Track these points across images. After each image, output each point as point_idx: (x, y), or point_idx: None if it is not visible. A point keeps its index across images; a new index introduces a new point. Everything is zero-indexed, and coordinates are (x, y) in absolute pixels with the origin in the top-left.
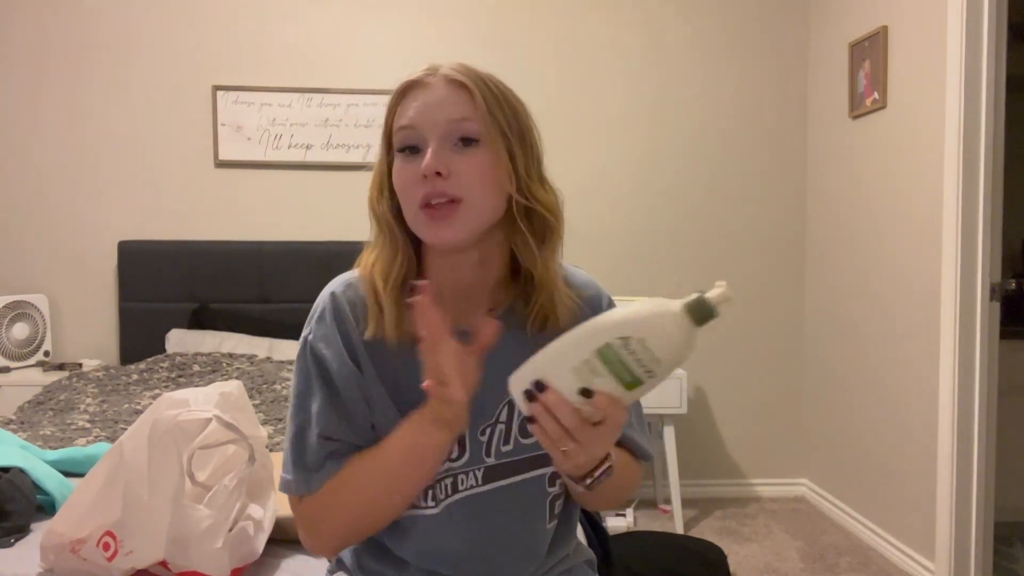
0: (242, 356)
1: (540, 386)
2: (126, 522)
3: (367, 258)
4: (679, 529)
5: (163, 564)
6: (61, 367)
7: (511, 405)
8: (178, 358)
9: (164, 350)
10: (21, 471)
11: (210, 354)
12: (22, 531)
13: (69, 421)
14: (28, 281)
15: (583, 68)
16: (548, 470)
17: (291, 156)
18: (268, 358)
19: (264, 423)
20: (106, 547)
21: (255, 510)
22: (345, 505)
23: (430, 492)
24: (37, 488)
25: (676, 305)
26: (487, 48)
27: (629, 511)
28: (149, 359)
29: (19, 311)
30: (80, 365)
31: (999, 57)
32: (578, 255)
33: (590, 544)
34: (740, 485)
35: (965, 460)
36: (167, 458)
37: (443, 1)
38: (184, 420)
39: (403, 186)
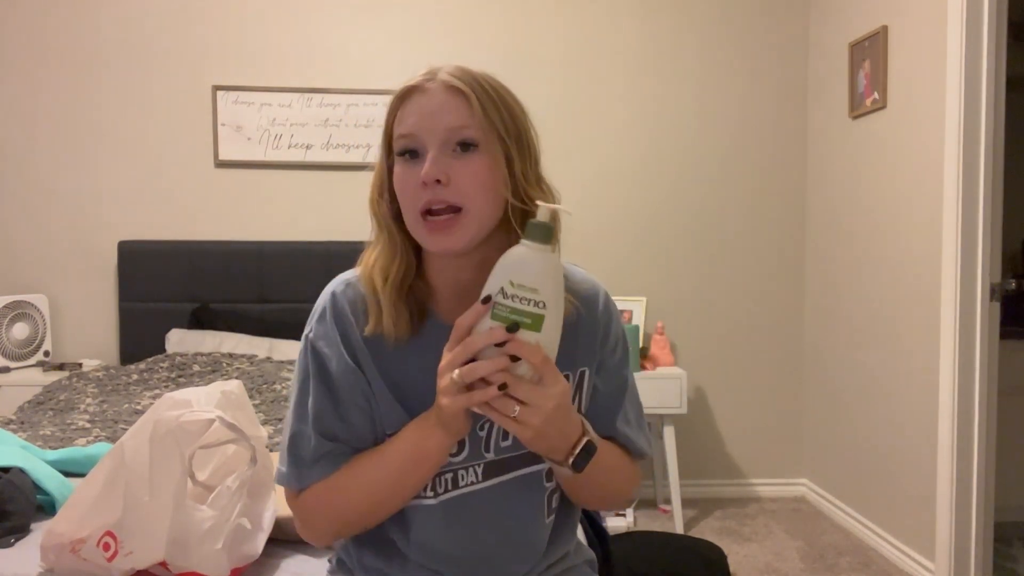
0: (242, 356)
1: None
2: (126, 522)
3: (368, 257)
4: (679, 529)
5: (163, 565)
6: (61, 367)
7: None
8: (178, 358)
9: (164, 350)
10: (21, 471)
11: (210, 354)
12: (22, 531)
13: (69, 421)
14: (28, 281)
15: (583, 69)
16: (546, 465)
17: (291, 156)
18: (268, 358)
19: (264, 423)
20: (106, 547)
21: (255, 510)
22: (340, 502)
23: (430, 485)
24: (37, 488)
25: (522, 243)
26: (487, 48)
27: (629, 511)
28: (149, 359)
29: (19, 311)
30: (80, 365)
31: (999, 57)
32: (579, 255)
33: (590, 544)
34: (740, 485)
35: (965, 460)
36: (168, 459)
37: (443, 2)
38: (186, 421)
39: (403, 191)
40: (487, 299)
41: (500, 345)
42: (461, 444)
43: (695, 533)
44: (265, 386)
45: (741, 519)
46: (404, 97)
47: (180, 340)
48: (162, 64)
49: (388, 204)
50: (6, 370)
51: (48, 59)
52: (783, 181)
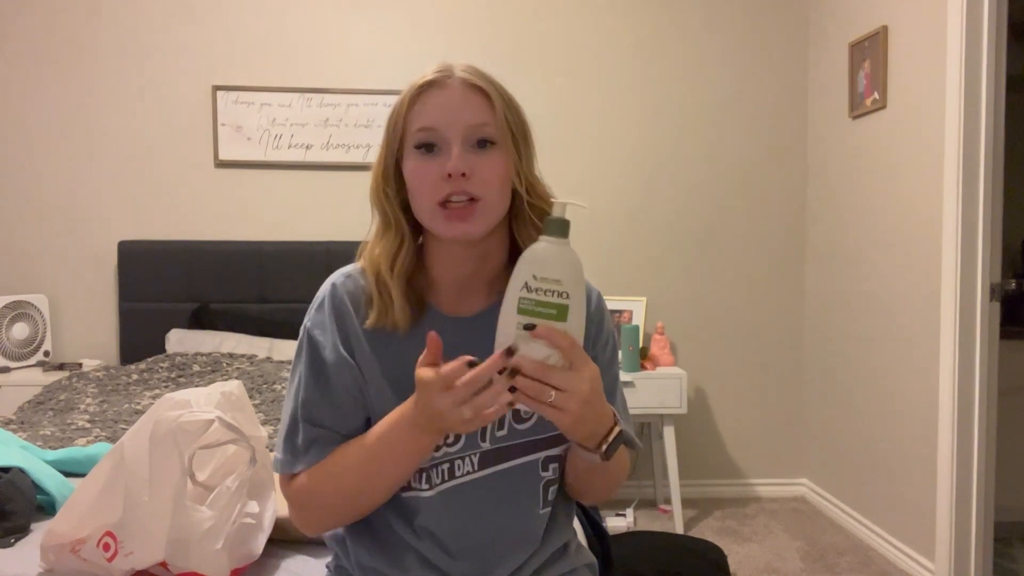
0: (242, 356)
1: (510, 352)
2: (126, 523)
3: (370, 249)
4: (679, 529)
5: (163, 565)
6: (61, 367)
7: None
8: (178, 358)
9: (164, 350)
10: (21, 471)
11: (210, 354)
12: (22, 531)
13: (69, 421)
14: (28, 281)
15: (582, 69)
16: (541, 455)
17: (291, 156)
18: (268, 358)
19: (264, 423)
20: (106, 548)
21: (254, 510)
22: (328, 490)
23: (425, 475)
24: (37, 488)
25: (541, 240)
26: (487, 48)
27: (629, 511)
28: (149, 359)
29: (19, 311)
30: (80, 365)
31: (999, 57)
32: (579, 255)
33: (590, 544)
34: (740, 485)
35: (965, 460)
36: (168, 459)
37: (442, 2)
38: (186, 421)
39: (421, 182)
40: (509, 351)
41: (510, 353)
42: (457, 435)
43: (695, 533)
44: (265, 386)
45: (741, 519)
46: (422, 91)
47: (180, 340)
48: (162, 64)
49: (395, 195)
50: (6, 370)
51: (48, 59)
52: (783, 181)
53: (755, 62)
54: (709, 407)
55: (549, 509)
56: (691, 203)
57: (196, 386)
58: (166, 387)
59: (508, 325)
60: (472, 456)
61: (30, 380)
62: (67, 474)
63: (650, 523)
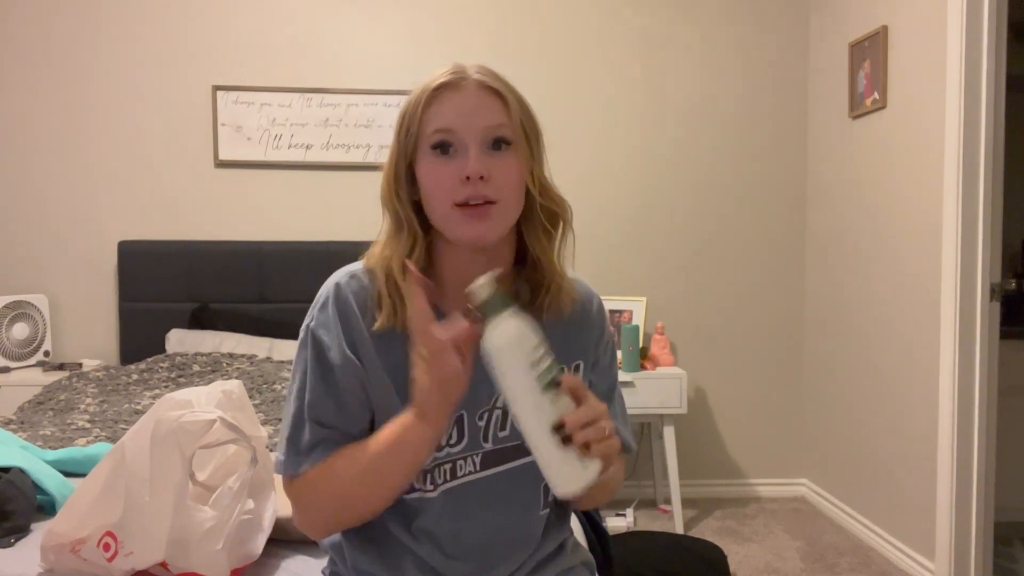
0: (242, 356)
1: (560, 426)
2: (127, 523)
3: (380, 251)
4: (679, 529)
5: (163, 565)
6: (61, 367)
7: None
8: (178, 358)
9: (164, 350)
10: (21, 471)
11: (210, 354)
12: (22, 531)
13: (69, 421)
14: (28, 281)
15: (582, 68)
16: None
17: (291, 156)
18: (268, 358)
19: (264, 423)
20: (106, 548)
21: (254, 510)
22: (333, 493)
23: (428, 476)
24: (37, 488)
25: (497, 323)
26: (487, 48)
27: (629, 511)
28: (149, 359)
29: (19, 311)
30: (80, 365)
31: (999, 57)
32: (579, 255)
33: (590, 545)
34: (740, 485)
35: (965, 460)
36: (169, 459)
37: (442, 1)
38: (187, 421)
39: (437, 184)
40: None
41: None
42: (460, 433)
43: (695, 533)
44: (265, 386)
45: (741, 519)
46: (437, 92)
47: (180, 340)
48: (162, 64)
49: (408, 196)
50: (6, 370)
51: (48, 59)
52: (783, 181)
53: (755, 62)
54: (709, 407)
55: (548, 509)
56: (691, 203)
57: (196, 386)
58: (166, 387)
59: (539, 408)
60: (474, 456)
61: (30, 380)
62: (67, 474)
63: (650, 523)
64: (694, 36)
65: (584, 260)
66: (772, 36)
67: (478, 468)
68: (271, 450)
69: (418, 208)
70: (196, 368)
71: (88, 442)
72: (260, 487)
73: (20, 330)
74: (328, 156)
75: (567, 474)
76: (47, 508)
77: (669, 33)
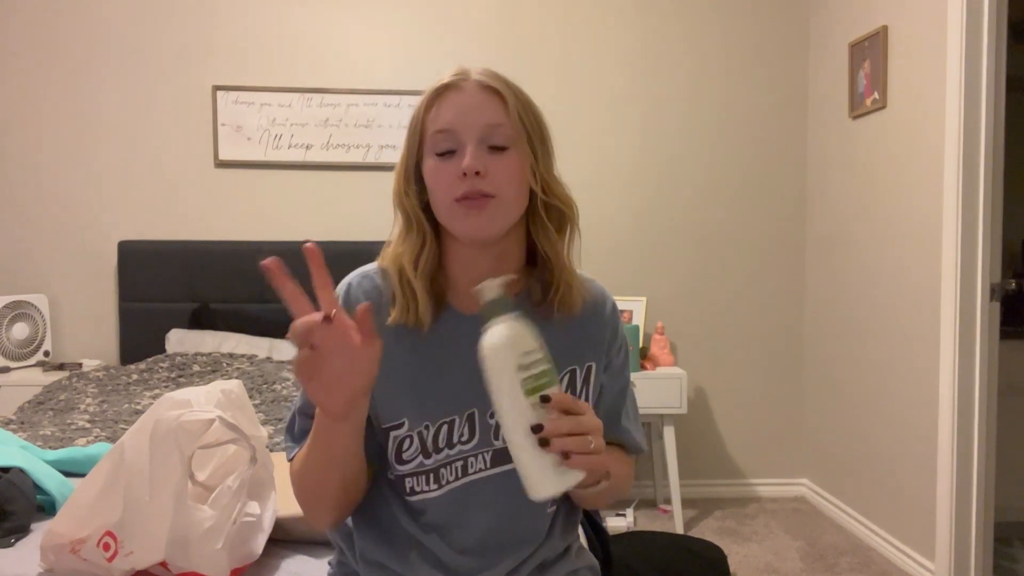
0: (242, 356)
1: (538, 428)
2: (126, 523)
3: (393, 250)
4: (679, 529)
5: (163, 565)
6: (61, 367)
7: None
8: (178, 358)
9: (164, 350)
10: (21, 471)
11: (210, 354)
12: (22, 531)
13: (69, 421)
14: (28, 281)
15: (581, 68)
16: None
17: (291, 156)
18: (268, 358)
19: (264, 423)
20: (106, 547)
21: (254, 510)
22: (307, 482)
23: (432, 475)
24: (37, 488)
25: (496, 324)
26: (486, 48)
27: (629, 511)
28: (149, 359)
29: (19, 311)
30: (80, 365)
31: (999, 57)
32: (579, 254)
33: (590, 544)
34: (740, 485)
35: (965, 460)
36: (169, 459)
37: (442, 1)
38: (186, 421)
39: (438, 182)
40: (538, 428)
41: (538, 430)
42: (472, 431)
43: (695, 533)
44: (265, 386)
45: (741, 519)
46: (439, 94)
47: (180, 340)
48: (162, 64)
49: (417, 196)
50: (6, 370)
51: (48, 59)
52: (783, 181)
53: (755, 63)
54: (709, 407)
55: (555, 507)
56: (691, 203)
57: (196, 386)
58: (166, 387)
59: (519, 410)
60: (485, 454)
61: (30, 380)
62: (67, 474)
63: (650, 523)
64: (693, 37)
65: (584, 260)
66: (772, 36)
67: (488, 465)
68: (271, 450)
69: (428, 208)
70: (196, 368)
71: (88, 442)
72: (260, 487)
73: (20, 330)
74: (328, 156)
75: (538, 478)
76: (47, 508)
77: (669, 33)
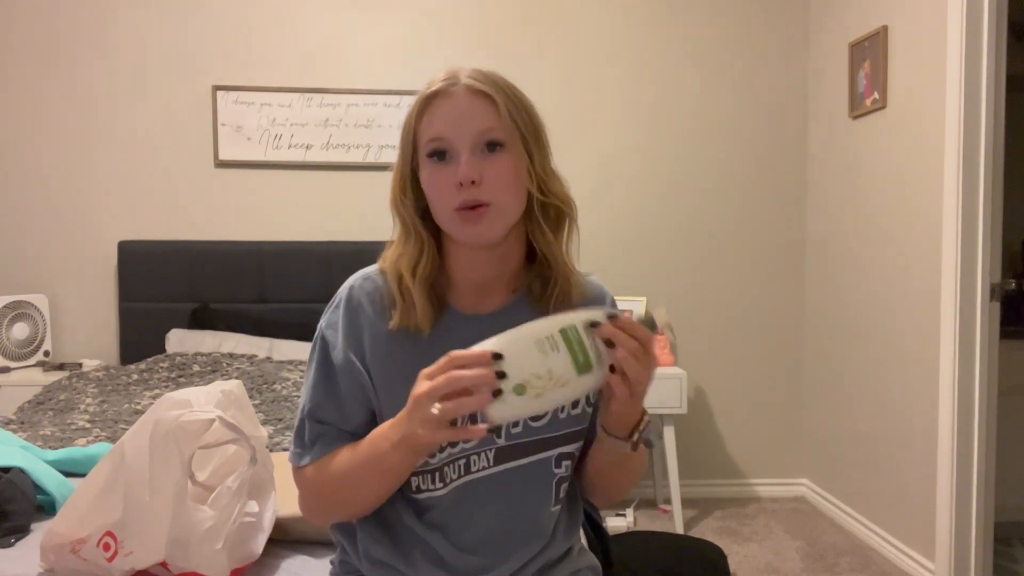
0: (242, 356)
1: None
2: (126, 523)
3: (392, 254)
4: (679, 529)
5: (163, 565)
6: (61, 367)
7: None
8: (178, 358)
9: (164, 350)
10: (21, 471)
11: (210, 354)
12: (22, 531)
13: (69, 421)
14: (28, 281)
15: (582, 68)
16: (555, 452)
17: (291, 156)
18: (268, 358)
19: (264, 423)
20: (106, 547)
21: (254, 510)
22: (329, 488)
23: (437, 474)
24: (37, 488)
25: (634, 317)
26: (487, 48)
27: (629, 511)
28: (149, 359)
29: (19, 311)
30: (80, 365)
31: (999, 57)
32: (579, 254)
33: (590, 544)
34: (740, 485)
35: (965, 460)
36: (169, 459)
37: (443, 1)
38: (186, 421)
39: (436, 191)
40: (497, 356)
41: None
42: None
43: (695, 533)
44: (265, 386)
45: (741, 519)
46: (428, 101)
47: (180, 340)
48: (162, 64)
49: (413, 202)
50: (6, 370)
51: (48, 59)
52: (783, 181)
53: (755, 62)
54: (709, 407)
55: (560, 506)
56: (691, 203)
57: (196, 386)
58: (166, 387)
59: (542, 327)
60: (488, 452)
61: (30, 380)
62: (67, 474)
63: (650, 523)
64: (693, 37)
65: (584, 260)
66: (772, 36)
67: (492, 463)
68: (271, 450)
69: (425, 213)
70: (196, 368)
71: (88, 442)
72: (260, 487)
73: (20, 330)
74: (328, 156)
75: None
76: (47, 508)
77: (669, 34)
